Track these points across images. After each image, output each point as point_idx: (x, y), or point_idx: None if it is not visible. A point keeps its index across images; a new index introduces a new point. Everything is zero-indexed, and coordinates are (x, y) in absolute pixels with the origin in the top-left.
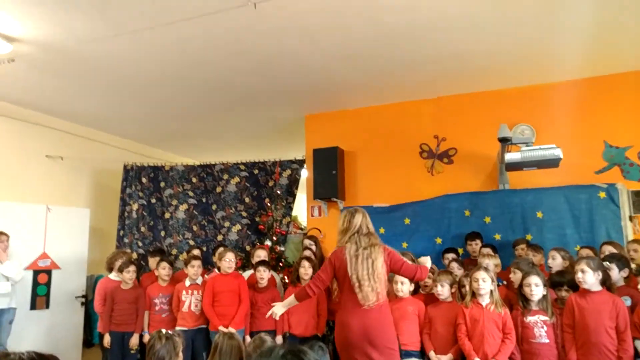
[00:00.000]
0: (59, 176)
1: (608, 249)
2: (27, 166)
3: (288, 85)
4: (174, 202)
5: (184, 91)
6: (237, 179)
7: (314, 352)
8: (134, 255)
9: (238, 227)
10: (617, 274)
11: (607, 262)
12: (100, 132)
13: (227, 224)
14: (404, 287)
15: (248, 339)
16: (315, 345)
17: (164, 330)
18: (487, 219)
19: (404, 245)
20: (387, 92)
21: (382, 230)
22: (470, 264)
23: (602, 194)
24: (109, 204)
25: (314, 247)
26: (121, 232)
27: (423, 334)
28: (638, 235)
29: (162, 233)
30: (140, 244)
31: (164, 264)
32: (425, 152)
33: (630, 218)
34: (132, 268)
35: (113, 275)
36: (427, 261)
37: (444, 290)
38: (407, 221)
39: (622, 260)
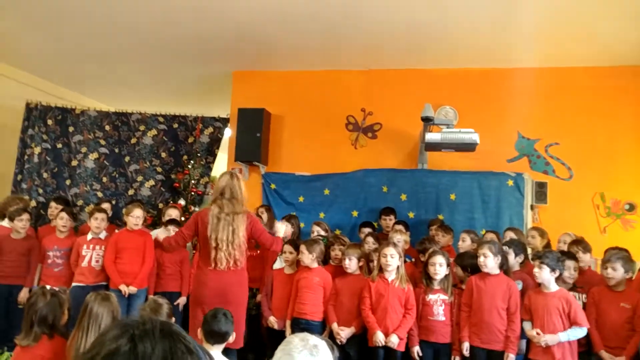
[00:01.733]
0: None
1: (510, 235)
2: None
3: (216, 39)
4: (83, 149)
5: (102, 31)
6: (154, 132)
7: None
8: (33, 203)
9: (152, 182)
10: (513, 259)
11: (507, 247)
12: (0, 62)
13: (140, 178)
14: (304, 257)
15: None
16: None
17: (48, 287)
18: (403, 197)
19: (322, 215)
20: (319, 58)
21: (301, 199)
22: (383, 238)
23: (510, 182)
24: (4, 143)
25: None
26: (19, 177)
27: (328, 305)
28: (537, 223)
29: (67, 182)
30: (40, 191)
31: (63, 214)
32: (351, 125)
33: (532, 207)
34: (25, 216)
35: (6, 223)
36: (279, 229)
37: (351, 264)
38: (326, 192)
39: (519, 247)
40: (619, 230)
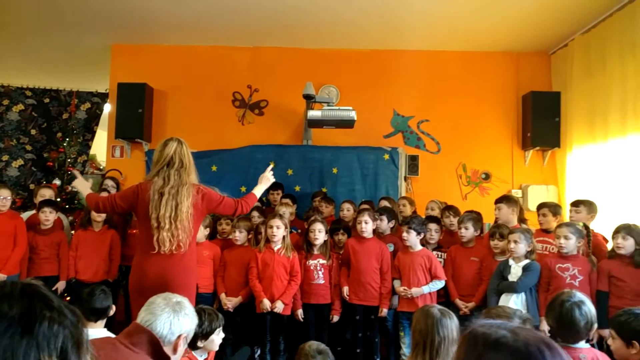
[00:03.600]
0: None
1: (383, 203)
2: None
3: (94, 8)
4: None
5: None
6: (21, 107)
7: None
8: None
9: (20, 162)
10: (386, 224)
11: (380, 214)
12: None
13: (5, 157)
14: (199, 233)
15: None
16: (97, 289)
17: None
18: (290, 171)
19: None
20: (204, 33)
21: None
22: (271, 212)
23: (386, 156)
24: None
25: (114, 190)
26: None
27: (217, 277)
28: (409, 193)
29: None
30: None
31: None
32: (238, 101)
33: (405, 178)
34: None
35: None
36: (263, 182)
37: (241, 236)
38: (214, 168)
39: (391, 213)
40: (477, 196)
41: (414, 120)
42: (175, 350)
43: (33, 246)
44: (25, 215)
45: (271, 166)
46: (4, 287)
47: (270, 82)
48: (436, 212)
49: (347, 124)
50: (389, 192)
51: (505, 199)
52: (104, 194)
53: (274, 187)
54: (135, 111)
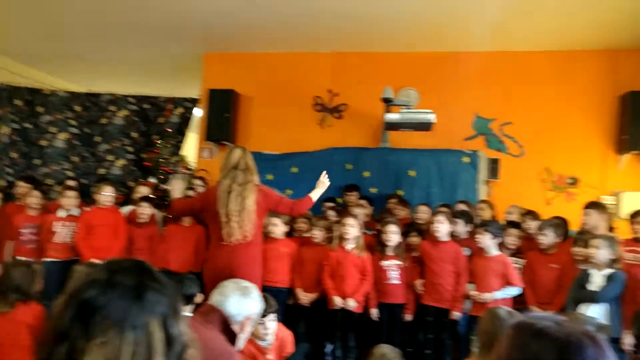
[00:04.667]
0: None
1: (460, 207)
2: None
3: (187, 21)
4: (53, 129)
5: (72, 10)
6: (125, 112)
7: (183, 285)
8: (2, 182)
9: (123, 161)
10: (462, 228)
11: (455, 218)
12: None
13: (111, 157)
14: (277, 228)
15: None
16: (185, 278)
17: (23, 258)
18: (367, 174)
19: (289, 192)
20: (288, 41)
21: (269, 177)
22: (347, 213)
23: (466, 159)
24: None
25: (202, 189)
26: None
27: (294, 272)
28: (489, 197)
29: (37, 161)
30: (10, 170)
31: (34, 192)
32: (318, 105)
33: (485, 182)
34: None
35: None
36: (319, 187)
37: (319, 234)
38: (294, 170)
39: (467, 217)
40: (563, 202)
41: (496, 122)
42: (242, 329)
43: (131, 238)
44: (125, 209)
45: (325, 173)
46: (121, 262)
47: (350, 86)
48: (515, 217)
49: (425, 126)
50: (467, 196)
51: (596, 206)
52: (191, 193)
53: (349, 188)
54: (223, 115)
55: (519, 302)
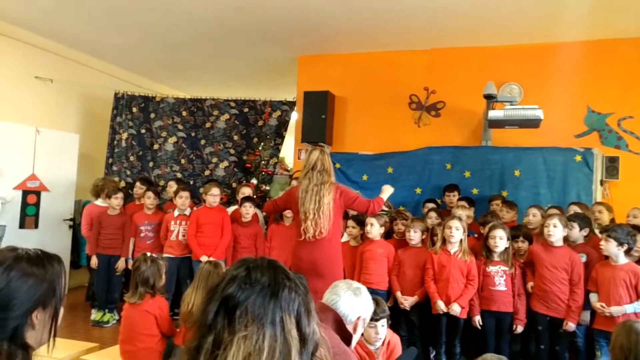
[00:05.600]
0: (48, 99)
1: (574, 209)
2: (17, 86)
3: (282, 24)
4: (164, 134)
5: (177, 22)
6: (227, 116)
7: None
8: (122, 184)
9: (226, 163)
10: (577, 232)
11: (570, 221)
12: (92, 57)
13: (215, 159)
14: (373, 229)
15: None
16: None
17: (149, 254)
18: (467, 173)
19: None
20: (381, 40)
21: (365, 177)
22: (447, 214)
23: (578, 158)
24: (97, 130)
25: None
26: (110, 160)
27: (392, 275)
28: (607, 199)
29: (151, 164)
30: (128, 172)
31: (150, 193)
32: (414, 104)
33: (601, 182)
34: (120, 195)
35: (99, 202)
36: (387, 190)
37: (415, 236)
38: (390, 170)
39: (584, 220)
40: None
41: (613, 117)
42: (355, 330)
43: (235, 236)
44: (230, 209)
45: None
46: (256, 260)
47: (447, 83)
48: (639, 221)
49: (533, 123)
50: (580, 197)
51: None
52: None
53: (450, 188)
54: (319, 117)
55: None
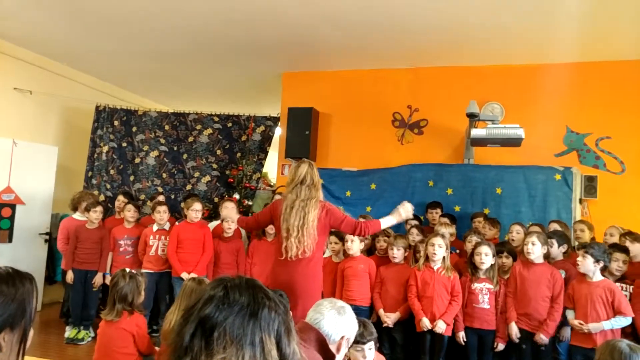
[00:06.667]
0: (27, 111)
1: (553, 226)
2: None
3: (267, 40)
4: (145, 147)
5: (161, 35)
6: (210, 130)
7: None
8: (101, 197)
9: (208, 178)
10: (556, 249)
11: (549, 238)
12: (73, 69)
13: (197, 174)
14: (354, 244)
15: None
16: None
17: (127, 269)
18: (450, 191)
19: (368, 209)
20: (366, 58)
21: (348, 194)
22: (429, 231)
23: (558, 176)
24: (77, 143)
25: None
26: (89, 173)
27: (374, 292)
28: (586, 217)
29: (131, 178)
30: (108, 186)
31: (130, 207)
32: (398, 121)
33: (580, 200)
34: (99, 208)
35: (77, 215)
36: (389, 220)
37: (398, 254)
38: (373, 186)
39: (562, 237)
40: None
41: (591, 137)
42: (338, 350)
43: (217, 252)
44: (212, 225)
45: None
46: (234, 279)
47: (430, 101)
48: (616, 239)
49: (514, 142)
50: (560, 215)
51: None
52: None
53: (432, 205)
54: (303, 133)
55: (628, 334)
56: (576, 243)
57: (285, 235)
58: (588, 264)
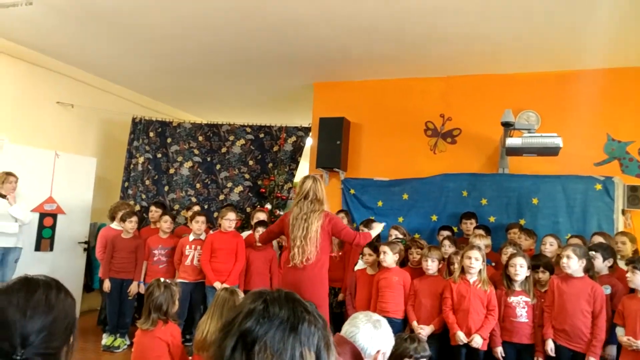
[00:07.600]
0: (69, 124)
1: (597, 239)
2: (38, 111)
3: (298, 52)
4: (179, 158)
5: (194, 50)
6: (242, 141)
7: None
8: (137, 207)
9: (240, 188)
10: (601, 263)
11: (593, 251)
12: (111, 83)
13: (229, 184)
14: (387, 257)
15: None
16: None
17: (162, 279)
18: (484, 201)
19: (400, 219)
20: (397, 67)
21: (380, 204)
22: (463, 242)
23: (599, 186)
24: (115, 154)
25: None
26: (126, 184)
27: (407, 304)
28: (629, 228)
29: (166, 188)
30: (144, 196)
31: (166, 217)
32: (430, 130)
33: (623, 212)
34: (134, 218)
35: (115, 225)
36: (376, 227)
37: (432, 265)
38: (405, 196)
39: (607, 250)
40: None
41: (634, 145)
42: None
43: (249, 261)
44: (244, 234)
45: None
46: (274, 292)
47: (463, 110)
48: None
49: (551, 151)
50: (601, 226)
51: None
52: None
53: (467, 216)
54: (334, 143)
55: None
56: (618, 257)
57: (292, 245)
58: (638, 279)
